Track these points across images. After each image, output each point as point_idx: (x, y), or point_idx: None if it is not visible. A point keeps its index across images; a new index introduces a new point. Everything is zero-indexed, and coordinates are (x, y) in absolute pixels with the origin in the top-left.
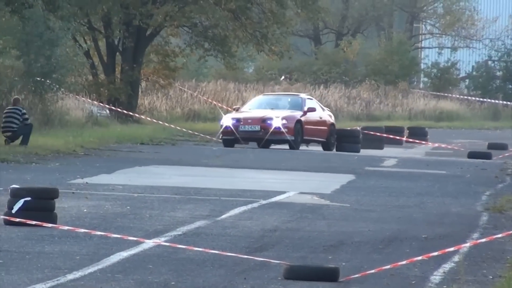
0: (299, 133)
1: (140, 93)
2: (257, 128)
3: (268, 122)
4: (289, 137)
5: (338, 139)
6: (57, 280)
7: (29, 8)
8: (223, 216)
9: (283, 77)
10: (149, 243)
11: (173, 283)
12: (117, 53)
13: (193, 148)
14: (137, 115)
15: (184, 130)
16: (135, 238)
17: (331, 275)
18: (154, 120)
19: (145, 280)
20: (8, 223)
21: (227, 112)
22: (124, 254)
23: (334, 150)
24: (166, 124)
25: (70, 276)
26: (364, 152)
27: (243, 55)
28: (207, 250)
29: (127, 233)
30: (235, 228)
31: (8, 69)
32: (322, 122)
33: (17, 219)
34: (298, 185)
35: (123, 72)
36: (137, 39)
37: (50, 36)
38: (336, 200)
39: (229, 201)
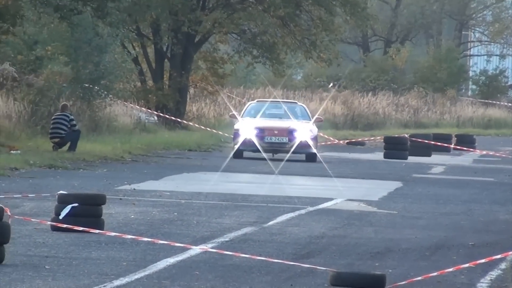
0: (316, 146)
1: (188, 99)
2: (285, 140)
3: (295, 133)
4: (312, 150)
5: (386, 146)
6: (104, 286)
7: (78, 15)
8: (270, 223)
9: (331, 84)
10: (196, 250)
11: None
12: (166, 60)
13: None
14: (185, 121)
15: (232, 136)
16: (182, 245)
17: (377, 282)
18: (202, 127)
19: (191, 286)
20: (55, 229)
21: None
22: (171, 260)
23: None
24: (214, 131)
25: (116, 282)
26: (411, 159)
27: (292, 62)
28: (254, 257)
29: (174, 240)
30: (282, 234)
31: (56, 75)
32: (315, 132)
33: (64, 225)
34: (345, 192)
35: (171, 78)
36: (185, 45)
37: (98, 42)
38: (383, 207)
39: (276, 207)
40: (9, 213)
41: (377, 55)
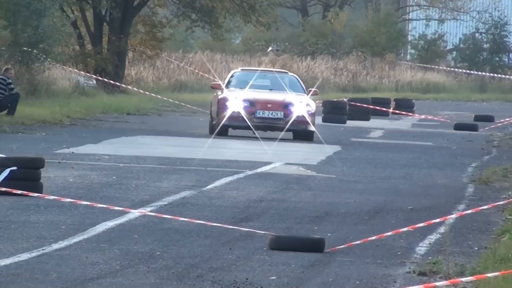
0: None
1: (127, 63)
2: (280, 115)
3: (290, 108)
4: (310, 127)
5: (325, 110)
6: (43, 249)
7: None
8: (209, 187)
9: (270, 49)
10: (134, 213)
11: (158, 253)
12: (104, 24)
13: (180, 118)
14: (123, 85)
15: (171, 100)
16: (121, 208)
17: (316, 245)
18: (141, 91)
19: (130, 249)
20: None
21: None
22: (110, 224)
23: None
24: (153, 95)
25: (55, 246)
26: (350, 123)
27: (230, 26)
28: (192, 221)
29: (113, 203)
30: (220, 198)
31: None
32: (312, 106)
33: (3, 189)
34: (284, 156)
35: (110, 42)
36: (124, 9)
37: (37, 6)
38: (322, 171)
39: (215, 171)
40: None
41: (315, 20)
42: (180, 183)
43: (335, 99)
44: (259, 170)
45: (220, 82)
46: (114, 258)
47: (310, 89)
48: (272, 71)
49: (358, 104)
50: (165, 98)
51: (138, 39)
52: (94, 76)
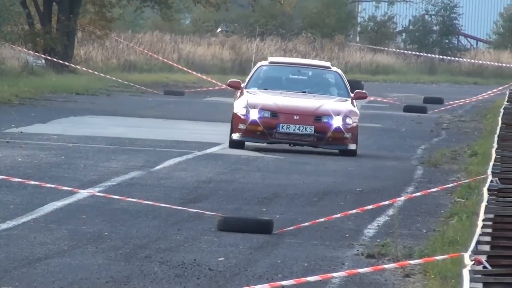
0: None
1: (76, 43)
2: (310, 130)
3: (324, 120)
4: (350, 145)
5: None
6: None
7: None
8: (158, 167)
9: (219, 29)
10: (83, 193)
11: (106, 233)
12: (54, 3)
13: (129, 98)
14: (72, 65)
15: (120, 80)
16: (69, 188)
17: (265, 227)
18: (90, 71)
19: (78, 230)
20: None
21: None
22: (58, 204)
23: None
24: (102, 75)
25: (3, 226)
26: None
27: (180, 7)
28: (141, 201)
29: (62, 183)
30: (169, 179)
31: None
32: (357, 114)
33: None
34: None
35: (60, 22)
36: None
37: None
38: (271, 152)
39: (164, 152)
40: None
41: (265, 0)
42: (129, 164)
43: None
44: (208, 151)
45: (238, 80)
46: (62, 238)
47: (357, 90)
48: (309, 65)
49: None
50: (114, 78)
51: (87, 19)
52: (43, 56)
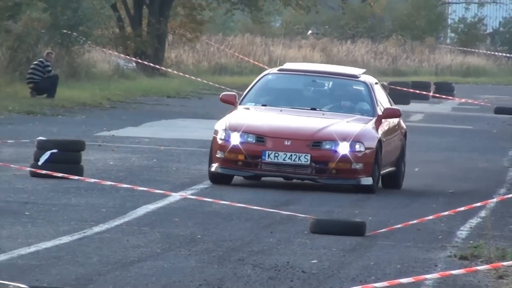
0: (378, 165)
1: (166, 46)
2: (305, 159)
3: (326, 147)
4: (363, 179)
5: None
6: (84, 232)
7: None
8: None
9: (310, 32)
10: (175, 196)
11: (199, 236)
12: (144, 6)
13: (220, 101)
14: (163, 68)
15: (211, 83)
16: (161, 191)
17: (357, 229)
18: (181, 74)
19: (171, 233)
20: (34, 175)
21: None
22: (151, 207)
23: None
24: (193, 78)
25: (96, 229)
26: None
27: (270, 9)
28: (233, 204)
29: (154, 186)
30: (261, 181)
31: (34, 21)
32: (395, 134)
33: (44, 171)
34: None
35: (150, 25)
36: None
37: None
38: None
39: None
40: None
41: (355, 3)
42: None
43: None
44: None
45: (234, 94)
46: (155, 241)
47: (387, 107)
48: (330, 73)
49: (398, 87)
50: (205, 81)
51: (178, 21)
52: (134, 59)
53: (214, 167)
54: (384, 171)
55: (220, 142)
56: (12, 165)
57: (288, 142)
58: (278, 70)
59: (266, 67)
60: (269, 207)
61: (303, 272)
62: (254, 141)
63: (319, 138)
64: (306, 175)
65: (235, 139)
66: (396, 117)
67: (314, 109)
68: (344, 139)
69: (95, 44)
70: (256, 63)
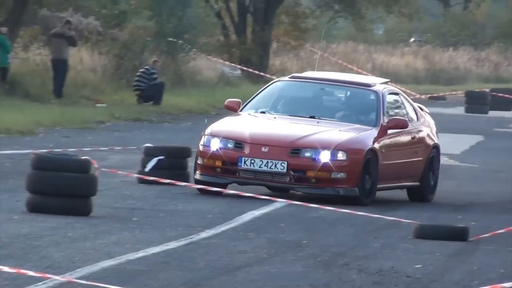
0: (369, 176)
1: (271, 53)
2: (282, 166)
3: (306, 154)
4: (342, 190)
5: (468, 101)
6: (191, 238)
7: None
8: None
9: (412, 39)
10: (281, 202)
11: (305, 241)
12: (248, 14)
13: None
14: (268, 75)
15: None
16: (267, 197)
17: (460, 234)
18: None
19: (277, 238)
20: (141, 181)
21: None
22: (257, 213)
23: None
24: None
25: (203, 234)
26: (492, 113)
27: (373, 17)
28: (338, 209)
29: (260, 192)
30: None
31: (140, 29)
32: (414, 147)
33: (151, 178)
34: None
35: (254, 33)
36: (267, 0)
37: None
38: (465, 161)
39: None
40: (96, 166)
41: (457, 10)
42: None
43: (477, 90)
44: None
45: (238, 100)
46: (261, 247)
47: (392, 118)
48: (342, 82)
49: (500, 94)
50: None
51: (282, 29)
52: (238, 66)
53: (197, 174)
54: (403, 184)
55: (201, 148)
56: (119, 172)
57: (265, 148)
58: (289, 78)
59: (369, 74)
60: (373, 213)
61: (407, 277)
62: (233, 147)
63: (298, 146)
64: (284, 184)
65: (215, 145)
66: (402, 128)
67: (313, 117)
68: (325, 147)
69: (200, 51)
70: (359, 70)
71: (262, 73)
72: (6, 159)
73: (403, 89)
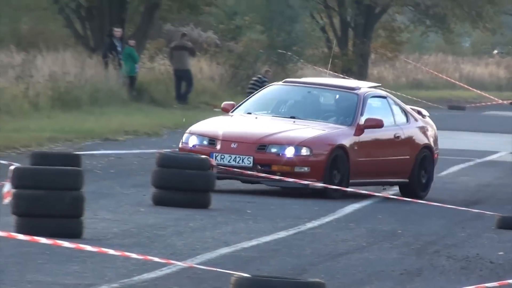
0: (338, 171)
1: (369, 64)
2: (249, 161)
3: (272, 150)
4: (306, 182)
5: None
6: (298, 228)
7: None
8: (444, 173)
9: (495, 51)
10: (379, 196)
11: (399, 231)
12: (349, 29)
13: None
14: None
15: (409, 97)
16: (367, 192)
17: None
18: (383, 88)
19: (375, 228)
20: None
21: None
22: (357, 205)
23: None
24: (393, 92)
25: (309, 225)
26: None
27: (461, 31)
28: (429, 203)
29: (361, 188)
30: (453, 183)
31: (253, 42)
32: (398, 146)
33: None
34: (509, 146)
35: (355, 45)
36: (367, 16)
37: (290, 13)
38: None
39: (449, 159)
40: (213, 164)
41: None
42: None
43: None
44: (487, 158)
45: (233, 103)
46: (361, 236)
47: (368, 117)
48: (328, 85)
49: None
50: (403, 95)
51: (379, 42)
52: (341, 75)
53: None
54: (382, 180)
55: (180, 145)
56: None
57: (234, 145)
58: (282, 82)
59: (457, 82)
60: (461, 206)
61: (491, 263)
62: (207, 143)
63: (265, 142)
64: (252, 177)
65: (192, 142)
66: (378, 127)
67: (293, 117)
68: (290, 143)
69: (307, 62)
70: (448, 78)
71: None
72: (134, 158)
73: (487, 95)
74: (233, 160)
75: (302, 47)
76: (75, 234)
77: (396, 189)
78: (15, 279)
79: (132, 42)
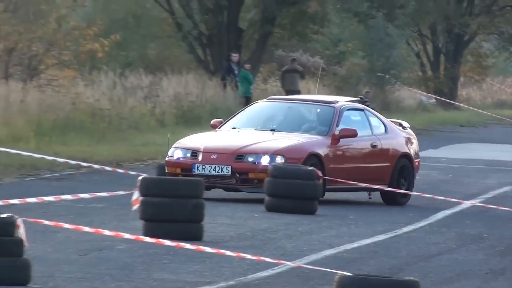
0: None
1: (459, 86)
2: (227, 170)
3: (249, 159)
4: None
5: None
6: (395, 232)
7: (373, 19)
8: None
9: None
10: (467, 204)
11: (485, 235)
12: (441, 54)
13: (501, 129)
14: (457, 103)
15: (494, 115)
16: (455, 200)
17: None
18: (470, 108)
19: (463, 232)
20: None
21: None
22: (447, 212)
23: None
24: (480, 111)
25: (404, 229)
26: None
27: None
28: None
29: (449, 196)
30: None
31: (355, 66)
32: (375, 155)
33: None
34: None
35: (446, 69)
36: (456, 43)
37: (389, 40)
38: None
39: None
40: (320, 175)
41: None
42: (502, 180)
43: None
44: None
45: (221, 120)
46: (451, 239)
47: (343, 127)
48: (306, 101)
49: None
50: (489, 113)
51: (468, 66)
52: (433, 96)
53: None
54: (359, 186)
55: (167, 158)
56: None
57: (214, 156)
58: (267, 99)
59: None
60: None
61: None
62: (190, 156)
63: (242, 152)
64: (231, 185)
65: (177, 155)
66: (352, 137)
67: (273, 130)
68: (266, 152)
69: (403, 84)
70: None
71: (452, 102)
72: None
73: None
74: (213, 170)
75: (399, 70)
76: (196, 237)
77: (483, 197)
78: (143, 277)
79: (247, 66)
